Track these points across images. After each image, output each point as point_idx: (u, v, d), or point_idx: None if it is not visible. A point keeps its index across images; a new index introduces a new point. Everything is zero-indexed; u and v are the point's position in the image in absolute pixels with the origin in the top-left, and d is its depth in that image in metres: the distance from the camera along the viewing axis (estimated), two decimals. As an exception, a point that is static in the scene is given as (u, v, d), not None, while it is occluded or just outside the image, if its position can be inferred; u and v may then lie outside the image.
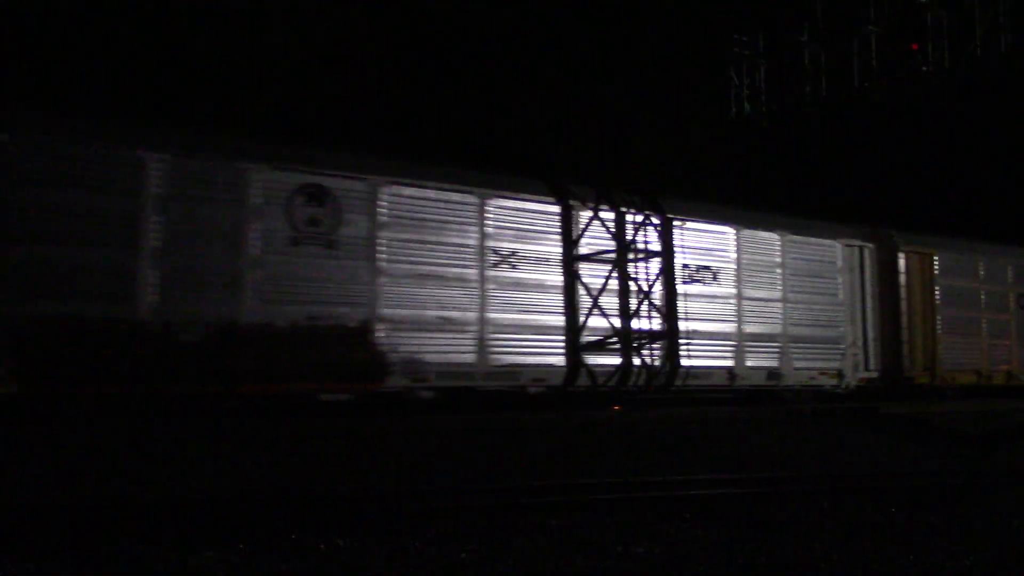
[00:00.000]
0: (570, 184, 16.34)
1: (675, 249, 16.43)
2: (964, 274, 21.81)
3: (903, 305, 20.24)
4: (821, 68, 19.10)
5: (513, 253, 14.63)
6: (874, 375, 19.43)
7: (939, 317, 20.91)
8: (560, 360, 14.79)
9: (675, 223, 16.53)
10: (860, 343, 19.38)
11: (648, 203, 16.70)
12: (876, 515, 7.18)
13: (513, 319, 14.29)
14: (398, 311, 13.26)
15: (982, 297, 22.12)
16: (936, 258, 21.09)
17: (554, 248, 15.06)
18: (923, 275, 20.91)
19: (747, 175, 29.20)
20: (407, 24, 26.42)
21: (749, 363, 17.28)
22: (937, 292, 21.11)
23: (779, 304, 17.94)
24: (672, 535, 6.37)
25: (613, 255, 15.78)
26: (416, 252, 13.80)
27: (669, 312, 16.17)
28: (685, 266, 16.62)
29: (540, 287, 14.77)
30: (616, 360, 15.45)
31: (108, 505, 7.04)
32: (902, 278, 20.33)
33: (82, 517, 6.39)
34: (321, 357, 12.39)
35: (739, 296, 17.37)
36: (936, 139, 33.14)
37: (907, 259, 20.54)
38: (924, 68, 16.92)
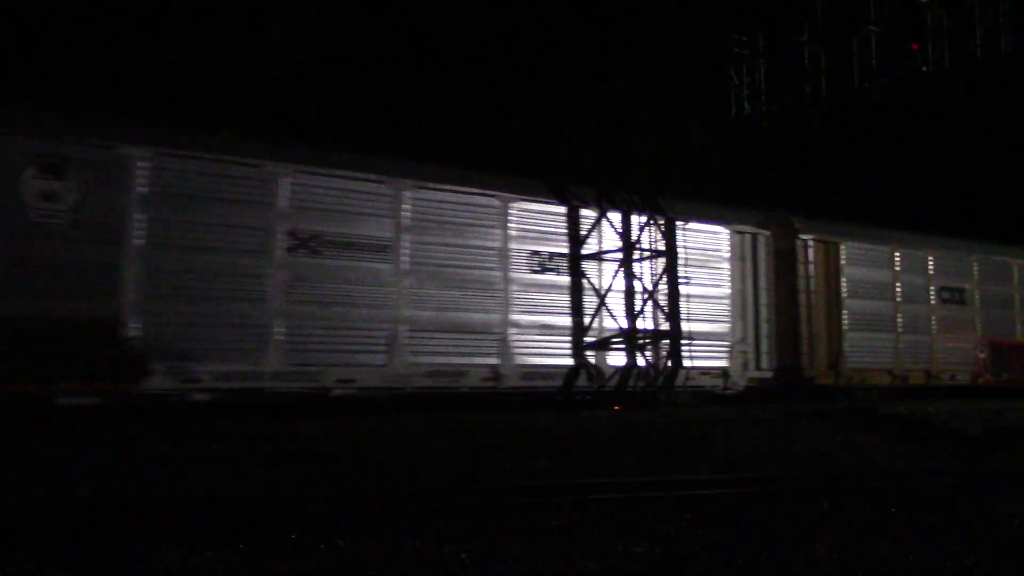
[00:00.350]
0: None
1: (513, 235, 15.22)
2: (876, 264, 20.15)
3: (803, 298, 18.60)
4: (821, 68, 19.09)
5: (316, 236, 13.07)
6: (767, 375, 17.95)
7: (845, 311, 19.28)
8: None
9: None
10: (751, 340, 17.79)
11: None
12: (876, 515, 7.17)
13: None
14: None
15: (897, 290, 20.48)
16: (843, 247, 19.44)
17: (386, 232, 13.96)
18: (828, 265, 19.21)
19: (747, 175, 29.19)
20: (407, 24, 26.41)
21: (612, 362, 15.96)
22: (844, 284, 19.42)
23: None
24: (672, 535, 6.37)
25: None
26: (194, 234, 12.07)
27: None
28: (536, 253, 15.33)
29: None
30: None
31: (108, 505, 7.04)
32: (802, 268, 18.72)
33: (82, 517, 6.38)
34: (58, 353, 10.74)
35: (601, 288, 15.90)
36: (936, 139, 33.13)
37: (808, 248, 18.86)
38: (924, 68, 16.92)
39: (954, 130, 33.12)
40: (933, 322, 21.05)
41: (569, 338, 15.69)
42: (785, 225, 18.74)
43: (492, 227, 15.09)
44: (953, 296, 21.60)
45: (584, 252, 16.07)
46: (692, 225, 17.15)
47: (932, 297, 21.17)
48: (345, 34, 24.72)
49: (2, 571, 5.05)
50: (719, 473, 9.58)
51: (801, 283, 18.67)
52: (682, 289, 16.82)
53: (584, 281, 15.95)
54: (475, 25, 26.42)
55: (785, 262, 18.57)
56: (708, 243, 17.53)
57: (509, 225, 15.25)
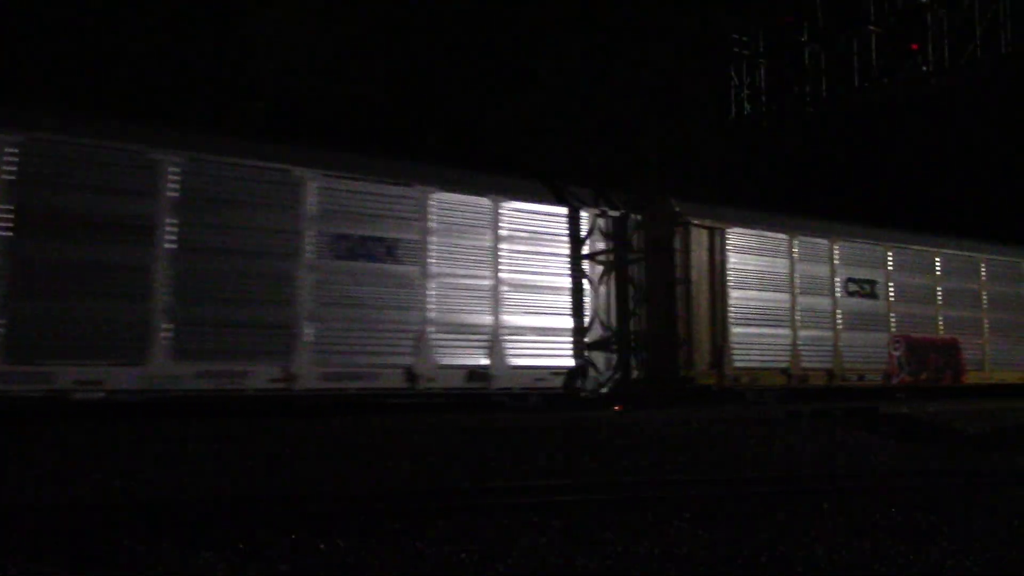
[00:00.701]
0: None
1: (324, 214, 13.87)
2: (769, 253, 18.31)
3: (681, 289, 16.81)
4: (821, 68, 19.09)
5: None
6: (636, 375, 16.27)
7: (731, 304, 17.43)
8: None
9: None
10: (615, 336, 16.10)
11: None
12: (876, 515, 7.17)
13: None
14: None
15: (795, 281, 18.60)
16: (729, 233, 17.60)
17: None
18: (712, 253, 17.36)
19: (748, 175, 29.21)
20: (407, 24, 26.42)
21: (443, 360, 14.39)
22: (730, 274, 17.56)
23: (488, 287, 14.93)
24: (672, 535, 6.37)
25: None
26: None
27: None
28: (343, 236, 13.93)
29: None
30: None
31: (108, 505, 7.04)
32: (681, 256, 16.87)
33: (82, 517, 6.38)
34: None
35: (426, 275, 14.53)
36: (936, 139, 33.15)
37: (689, 234, 16.99)
38: (924, 68, 16.92)
39: (954, 130, 33.14)
40: (838, 317, 19.26)
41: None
42: (662, 208, 16.88)
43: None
44: (862, 288, 19.82)
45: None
46: (526, 204, 15.54)
47: (837, 289, 19.32)
48: (344, 33, 24.74)
49: (2, 571, 5.05)
50: (718, 473, 9.59)
51: (679, 273, 16.83)
52: (511, 277, 15.22)
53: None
54: (475, 25, 26.44)
55: (662, 249, 16.68)
56: (559, 227, 15.89)
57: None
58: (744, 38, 19.67)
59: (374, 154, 15.64)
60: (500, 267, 15.18)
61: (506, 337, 14.99)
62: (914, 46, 16.89)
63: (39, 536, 5.78)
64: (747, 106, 20.00)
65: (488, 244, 15.18)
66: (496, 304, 15.05)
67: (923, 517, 7.12)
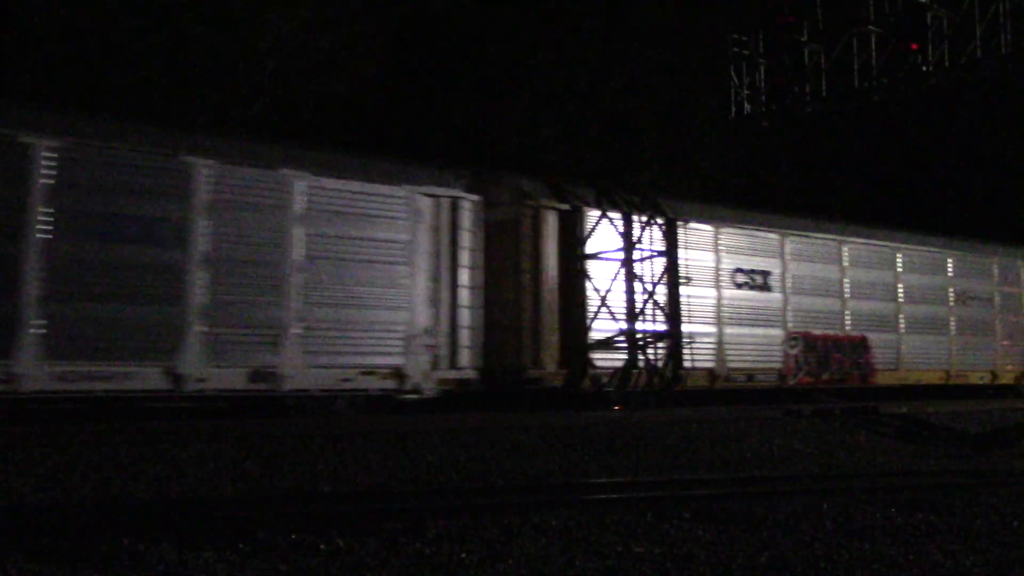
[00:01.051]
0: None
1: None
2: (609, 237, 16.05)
3: (527, 280, 14.91)
4: (821, 68, 19.09)
5: None
6: (468, 375, 14.28)
7: (589, 297, 15.60)
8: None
9: None
10: (446, 331, 14.14)
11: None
12: (876, 515, 7.18)
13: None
14: None
15: (651, 267, 16.37)
16: (588, 215, 15.78)
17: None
18: (569, 240, 15.45)
19: (747, 175, 29.24)
20: (408, 23, 26.43)
21: (218, 359, 12.39)
22: (589, 263, 15.72)
23: (276, 272, 12.86)
24: (672, 535, 6.37)
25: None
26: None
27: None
28: (86, 214, 11.83)
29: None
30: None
31: (108, 505, 7.04)
32: (529, 243, 14.99)
33: (82, 517, 6.38)
34: None
35: (192, 259, 12.36)
36: (936, 139, 33.18)
37: (539, 217, 15.12)
38: (924, 68, 16.92)
39: (954, 130, 33.16)
40: (723, 310, 17.31)
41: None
42: (507, 189, 15.05)
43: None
44: (752, 280, 17.81)
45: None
46: (340, 182, 13.65)
47: (724, 280, 17.38)
48: (345, 33, 24.75)
49: (2, 571, 5.05)
50: (718, 473, 9.59)
51: (526, 261, 14.83)
52: (323, 266, 13.33)
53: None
54: (476, 25, 26.45)
55: (506, 234, 14.81)
56: (376, 209, 13.86)
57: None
58: (744, 38, 19.66)
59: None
60: (296, 251, 13.11)
61: (300, 332, 13.00)
62: (914, 46, 16.88)
63: (39, 536, 5.78)
64: (747, 106, 19.99)
65: (280, 224, 13.13)
66: (290, 293, 13.00)
67: (923, 517, 7.12)
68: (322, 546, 5.75)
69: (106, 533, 5.82)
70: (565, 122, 24.62)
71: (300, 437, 10.20)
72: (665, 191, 19.04)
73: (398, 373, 13.68)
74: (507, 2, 26.25)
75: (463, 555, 5.66)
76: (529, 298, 14.92)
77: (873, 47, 17.82)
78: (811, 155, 31.95)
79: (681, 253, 16.79)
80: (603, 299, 15.79)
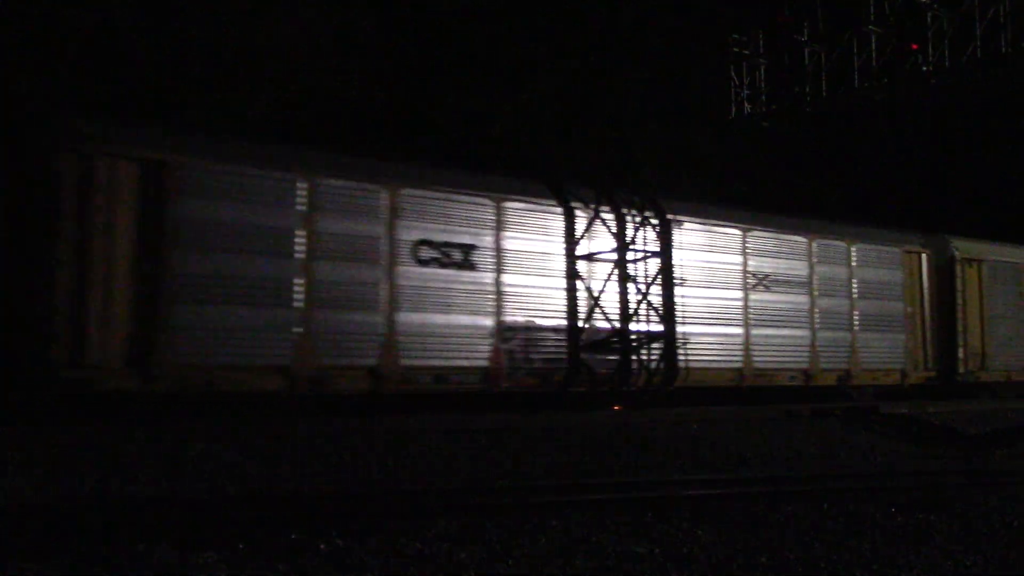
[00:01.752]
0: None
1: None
2: (235, 198, 12.00)
3: (99, 245, 11.04)
4: (821, 68, 19.11)
5: None
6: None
7: (177, 272, 11.52)
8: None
9: None
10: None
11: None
12: (876, 515, 7.17)
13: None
14: None
15: (297, 241, 12.32)
16: (182, 171, 11.49)
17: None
18: (148, 197, 11.02)
19: (747, 175, 29.22)
20: (408, 23, 26.44)
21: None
22: (182, 230, 11.56)
23: None
24: (672, 535, 6.37)
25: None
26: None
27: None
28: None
29: None
30: None
31: (108, 505, 7.04)
32: (102, 200, 11.07)
33: (82, 517, 6.38)
34: None
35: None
36: (936, 139, 33.17)
37: (114, 169, 11.04)
38: (924, 68, 16.93)
39: (954, 130, 33.16)
40: (397, 293, 13.08)
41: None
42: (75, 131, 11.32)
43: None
44: (446, 255, 13.59)
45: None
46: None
47: (402, 255, 13.20)
48: (345, 33, 24.77)
49: (2, 571, 5.05)
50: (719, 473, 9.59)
51: (74, 223, 10.94)
52: None
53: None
54: (476, 24, 26.46)
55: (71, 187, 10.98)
56: None
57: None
58: (744, 38, 19.68)
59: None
60: None
61: None
62: (914, 46, 16.90)
63: (39, 536, 5.78)
64: (747, 106, 19.99)
65: None
66: None
67: (923, 517, 7.12)
68: (322, 546, 5.75)
69: (106, 533, 5.82)
70: (565, 122, 24.62)
71: (300, 437, 10.20)
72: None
73: None
74: (507, 2, 26.27)
75: (463, 555, 5.66)
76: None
77: (873, 47, 17.84)
78: (811, 155, 31.95)
79: (325, 222, 12.72)
80: (194, 273, 11.97)
